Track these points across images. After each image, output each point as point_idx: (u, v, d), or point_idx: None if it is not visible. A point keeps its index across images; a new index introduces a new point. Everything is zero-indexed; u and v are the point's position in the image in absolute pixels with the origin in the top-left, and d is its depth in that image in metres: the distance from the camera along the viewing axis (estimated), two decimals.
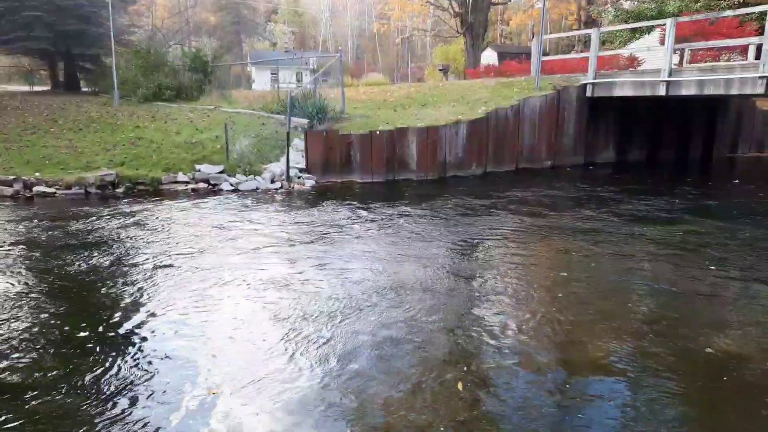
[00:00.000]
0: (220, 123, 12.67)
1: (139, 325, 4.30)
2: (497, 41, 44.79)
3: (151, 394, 3.33)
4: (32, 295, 4.97)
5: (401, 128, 11.44)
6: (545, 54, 14.26)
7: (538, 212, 8.51)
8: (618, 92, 12.49)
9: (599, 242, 6.81)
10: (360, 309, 4.60)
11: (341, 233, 7.16)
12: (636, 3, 25.85)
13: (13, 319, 4.42)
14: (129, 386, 3.42)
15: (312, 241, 6.74)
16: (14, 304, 4.74)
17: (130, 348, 3.93)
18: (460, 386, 3.42)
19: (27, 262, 5.92)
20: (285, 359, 3.75)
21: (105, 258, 6.00)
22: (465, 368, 3.66)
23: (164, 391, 3.36)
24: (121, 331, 4.22)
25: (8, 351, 3.87)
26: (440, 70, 29.56)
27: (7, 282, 5.27)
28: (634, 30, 19.72)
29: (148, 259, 5.97)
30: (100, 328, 4.25)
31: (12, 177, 9.54)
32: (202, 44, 29.23)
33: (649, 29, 18.57)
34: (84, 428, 3.01)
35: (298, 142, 11.38)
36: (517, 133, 12.72)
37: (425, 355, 3.84)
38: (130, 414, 3.14)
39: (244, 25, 59.80)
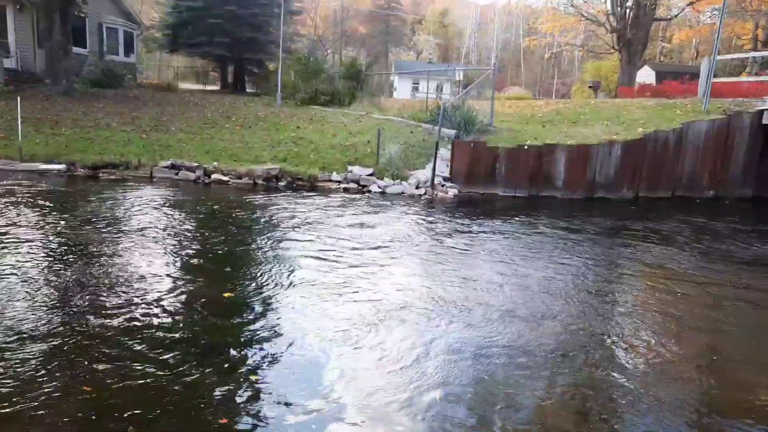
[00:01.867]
0: (371, 128, 13.40)
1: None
2: (656, 59, 41.87)
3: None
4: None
5: (549, 144, 11.27)
6: (714, 75, 13.16)
7: (694, 247, 7.94)
8: None
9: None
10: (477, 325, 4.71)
11: (473, 246, 7.28)
12: None
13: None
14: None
15: (442, 250, 6.95)
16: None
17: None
18: None
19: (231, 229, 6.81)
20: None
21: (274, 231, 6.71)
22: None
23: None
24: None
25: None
26: (590, 87, 28.37)
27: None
28: None
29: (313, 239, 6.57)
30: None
31: (195, 164, 10.89)
32: (356, 53, 30.94)
33: None
34: None
35: (444, 152, 11.66)
36: (677, 158, 11.91)
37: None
38: None
39: (392, 35, 62.02)
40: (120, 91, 19.78)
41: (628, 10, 26.23)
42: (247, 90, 28.08)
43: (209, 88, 31.73)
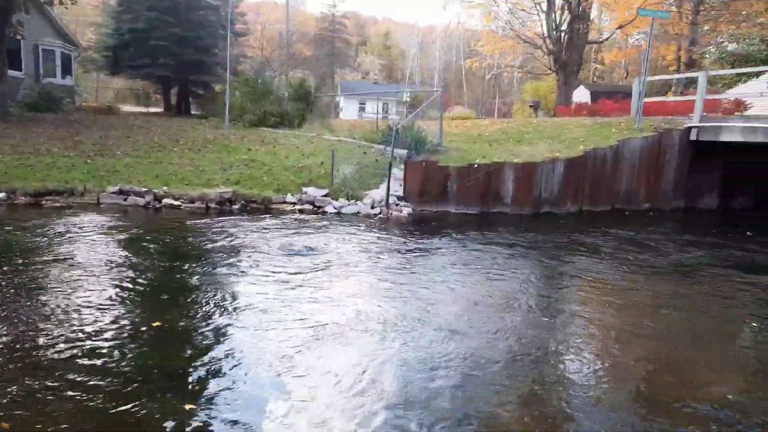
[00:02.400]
0: (324, 149, 13.51)
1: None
2: (589, 79, 44.14)
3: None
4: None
5: (498, 163, 11.71)
6: (644, 95, 14.09)
7: (633, 253, 8.45)
8: (726, 137, 12.14)
9: (694, 285, 6.72)
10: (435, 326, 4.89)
11: (432, 259, 7.50)
12: (738, 46, 24.87)
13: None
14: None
15: (404, 266, 7.12)
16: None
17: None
18: None
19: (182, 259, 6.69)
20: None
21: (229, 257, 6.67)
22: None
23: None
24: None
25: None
26: (530, 106, 29.60)
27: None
28: (740, 74, 19.00)
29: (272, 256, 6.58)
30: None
31: (144, 189, 10.66)
32: (303, 75, 31.07)
33: (758, 74, 17.85)
34: None
35: (396, 171, 11.90)
36: (615, 173, 12.62)
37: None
38: None
39: (337, 57, 62.58)
40: (59, 114, 19.09)
41: (562, 34, 27.59)
42: (192, 112, 27.63)
43: (152, 110, 31.02)
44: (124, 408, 3.39)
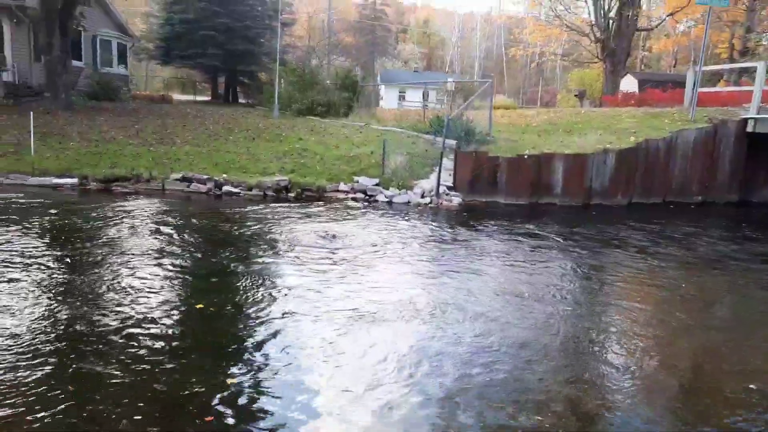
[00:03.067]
0: (373, 139, 13.79)
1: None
2: (636, 68, 43.02)
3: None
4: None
5: (548, 154, 11.75)
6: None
7: (684, 247, 8.45)
8: None
9: (744, 282, 6.73)
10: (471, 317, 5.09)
11: (481, 249, 7.69)
12: None
13: None
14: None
15: (455, 255, 7.34)
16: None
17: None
18: None
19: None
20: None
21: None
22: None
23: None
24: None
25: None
26: (576, 95, 29.16)
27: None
28: None
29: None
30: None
31: (206, 176, 11.15)
32: (345, 63, 31.32)
33: None
34: None
35: (446, 162, 12.07)
36: (668, 165, 12.49)
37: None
38: None
39: (378, 46, 62.63)
40: (117, 103, 19.94)
41: (611, 21, 27.04)
42: (240, 101, 28.38)
43: (199, 98, 31.95)
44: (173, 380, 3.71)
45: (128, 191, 10.70)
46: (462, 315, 5.09)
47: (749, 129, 12.57)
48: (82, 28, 19.12)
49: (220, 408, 3.38)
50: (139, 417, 3.25)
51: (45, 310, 4.68)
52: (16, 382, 3.50)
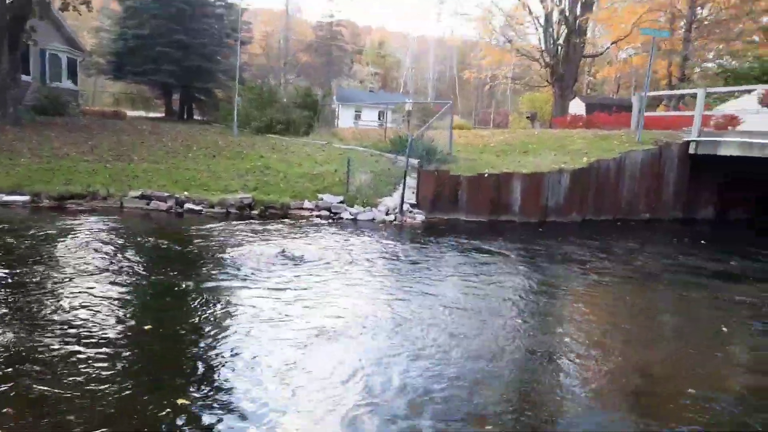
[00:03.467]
0: (335, 157, 13.89)
1: None
2: (582, 91, 45.03)
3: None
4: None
5: (507, 173, 12.14)
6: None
7: (630, 262, 8.91)
8: (723, 152, 12.66)
9: (683, 294, 7.18)
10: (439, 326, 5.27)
11: (444, 264, 7.89)
12: (739, 64, 25.61)
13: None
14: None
15: (417, 268, 7.50)
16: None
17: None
18: None
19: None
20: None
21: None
22: None
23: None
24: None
25: None
26: (527, 117, 30.23)
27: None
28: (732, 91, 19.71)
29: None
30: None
31: (166, 194, 10.95)
32: (300, 82, 31.40)
33: (749, 90, 18.53)
34: None
35: (409, 180, 12.28)
36: (618, 184, 13.11)
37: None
38: None
39: (334, 66, 63.11)
40: (67, 118, 19.32)
41: (559, 48, 28.28)
42: (195, 118, 27.97)
43: (152, 115, 31.28)
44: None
45: (84, 209, 10.37)
46: (423, 330, 5.21)
47: (691, 151, 13.38)
48: (33, 42, 18.51)
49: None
50: None
51: None
52: None
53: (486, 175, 11.96)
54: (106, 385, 3.76)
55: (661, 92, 23.56)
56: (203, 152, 14.39)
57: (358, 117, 47.78)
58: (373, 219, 11.16)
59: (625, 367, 4.74)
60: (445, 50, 78.41)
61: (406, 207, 11.59)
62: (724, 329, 5.91)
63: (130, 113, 29.98)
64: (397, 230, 10.47)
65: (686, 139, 13.52)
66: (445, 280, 7.04)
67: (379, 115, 55.58)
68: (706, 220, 14.02)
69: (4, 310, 5.03)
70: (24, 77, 19.68)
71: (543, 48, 28.75)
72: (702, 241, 11.45)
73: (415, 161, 12.88)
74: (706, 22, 28.55)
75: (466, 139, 17.32)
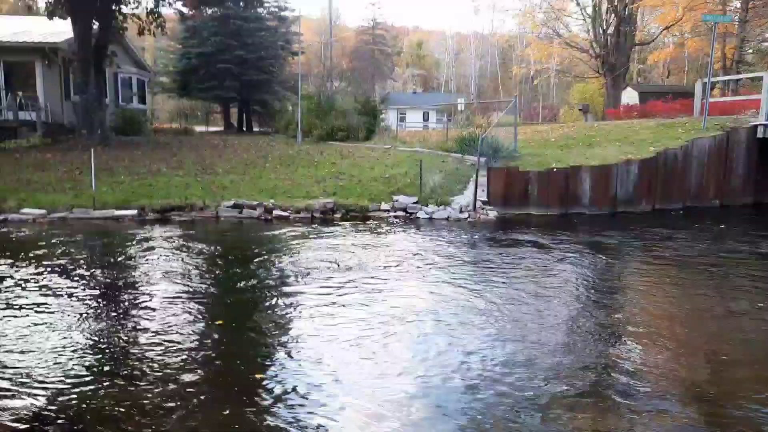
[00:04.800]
0: (403, 160, 14.52)
1: None
2: (633, 80, 44.26)
3: None
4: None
5: (575, 166, 12.49)
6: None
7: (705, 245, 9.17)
8: None
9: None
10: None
11: (520, 256, 8.37)
12: None
13: None
14: None
15: (499, 259, 8.01)
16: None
17: None
18: None
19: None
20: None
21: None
22: None
23: None
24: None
25: None
26: (580, 110, 30.12)
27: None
28: None
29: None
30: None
31: (256, 202, 11.83)
32: (349, 87, 32.30)
33: None
34: None
35: (479, 178, 12.79)
36: (685, 172, 13.24)
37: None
38: None
39: (377, 69, 64.01)
40: (143, 137, 20.69)
41: (609, 38, 28.12)
42: (254, 129, 29.21)
43: (211, 129, 32.78)
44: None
45: (184, 219, 11.35)
46: (517, 311, 5.77)
47: (759, 135, 13.36)
48: (117, 67, 19.95)
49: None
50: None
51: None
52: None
53: (555, 170, 12.34)
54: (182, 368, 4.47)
55: (725, 77, 23.14)
56: (278, 162, 15.29)
57: (402, 119, 48.40)
58: (448, 217, 11.72)
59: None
60: (485, 46, 78.15)
61: (478, 204, 12.10)
62: None
63: (196, 128, 31.58)
64: (472, 226, 10.98)
65: (753, 123, 13.50)
66: (524, 270, 7.53)
67: (423, 116, 56.19)
68: None
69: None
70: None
71: (592, 38, 28.65)
72: None
73: (482, 159, 13.38)
74: (760, 2, 27.81)
75: (525, 135, 17.63)
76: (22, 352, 4.61)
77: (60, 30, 18.47)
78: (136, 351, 4.70)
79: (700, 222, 11.75)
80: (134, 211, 11.49)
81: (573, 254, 8.49)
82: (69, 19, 16.79)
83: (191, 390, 4.04)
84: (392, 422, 3.59)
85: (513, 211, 12.28)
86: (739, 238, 10.04)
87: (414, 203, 12.09)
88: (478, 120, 18.47)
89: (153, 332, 5.12)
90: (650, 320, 5.73)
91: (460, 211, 11.88)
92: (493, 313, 5.70)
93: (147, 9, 18.93)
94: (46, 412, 3.66)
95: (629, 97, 31.22)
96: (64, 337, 4.94)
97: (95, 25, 17.11)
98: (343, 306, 5.92)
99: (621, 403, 3.87)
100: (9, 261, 7.54)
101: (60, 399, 3.83)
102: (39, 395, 3.85)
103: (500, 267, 7.68)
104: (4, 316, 5.47)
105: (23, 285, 6.49)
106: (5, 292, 6.23)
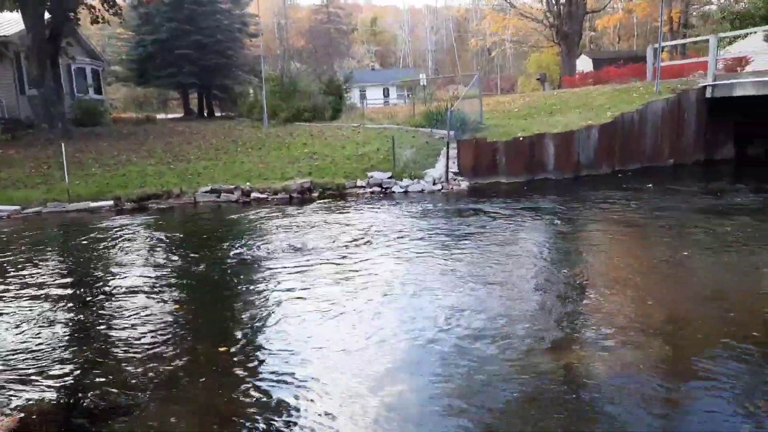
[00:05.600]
0: (373, 137, 14.81)
1: None
2: (586, 47, 45.37)
3: None
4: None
5: (539, 134, 13.05)
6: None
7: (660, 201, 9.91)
8: (739, 92, 13.47)
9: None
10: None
11: (496, 223, 8.90)
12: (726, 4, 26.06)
13: None
14: None
15: (475, 223, 8.52)
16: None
17: None
18: None
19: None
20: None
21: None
22: None
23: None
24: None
25: None
26: (537, 79, 30.83)
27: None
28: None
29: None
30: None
31: (233, 186, 11.98)
32: (303, 67, 32.15)
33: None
34: None
35: (450, 151, 13.21)
36: (642, 135, 13.98)
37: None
38: None
39: (334, 48, 63.45)
40: (103, 128, 20.30)
41: (562, 7, 28.77)
42: (216, 114, 28.86)
43: (171, 116, 32.17)
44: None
45: (163, 206, 11.42)
46: (496, 263, 6.25)
47: (708, 95, 14.18)
48: (72, 59, 19.42)
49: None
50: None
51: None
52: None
53: (521, 139, 12.88)
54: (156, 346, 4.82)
55: (674, 42, 24.09)
56: (248, 146, 15.37)
57: (363, 96, 48.38)
58: (422, 190, 12.13)
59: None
60: (439, 20, 78.25)
61: (450, 176, 12.56)
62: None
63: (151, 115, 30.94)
64: (446, 197, 11.44)
65: (702, 84, 14.31)
66: (496, 234, 8.03)
67: (384, 92, 56.26)
68: (726, 160, 14.86)
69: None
70: None
71: (546, 8, 29.25)
72: (723, 179, 12.33)
73: (451, 132, 13.80)
74: None
75: (488, 107, 18.11)
76: None
77: (10, 21, 17.87)
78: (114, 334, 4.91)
79: (651, 180, 12.45)
80: (110, 202, 11.48)
81: (540, 217, 9.04)
82: (19, 11, 16.25)
83: (167, 368, 4.18)
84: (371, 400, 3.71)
85: (483, 181, 12.78)
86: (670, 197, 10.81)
87: (389, 178, 12.45)
88: (441, 94, 18.87)
89: (130, 315, 5.29)
90: (610, 271, 6.30)
91: (434, 184, 12.31)
92: (473, 273, 6.16)
93: None
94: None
95: (584, 64, 32.15)
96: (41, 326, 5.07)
97: (47, 16, 16.60)
98: (322, 278, 6.22)
99: (589, 340, 4.39)
100: None
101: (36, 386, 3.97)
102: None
103: (474, 233, 8.15)
104: None
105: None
106: None
